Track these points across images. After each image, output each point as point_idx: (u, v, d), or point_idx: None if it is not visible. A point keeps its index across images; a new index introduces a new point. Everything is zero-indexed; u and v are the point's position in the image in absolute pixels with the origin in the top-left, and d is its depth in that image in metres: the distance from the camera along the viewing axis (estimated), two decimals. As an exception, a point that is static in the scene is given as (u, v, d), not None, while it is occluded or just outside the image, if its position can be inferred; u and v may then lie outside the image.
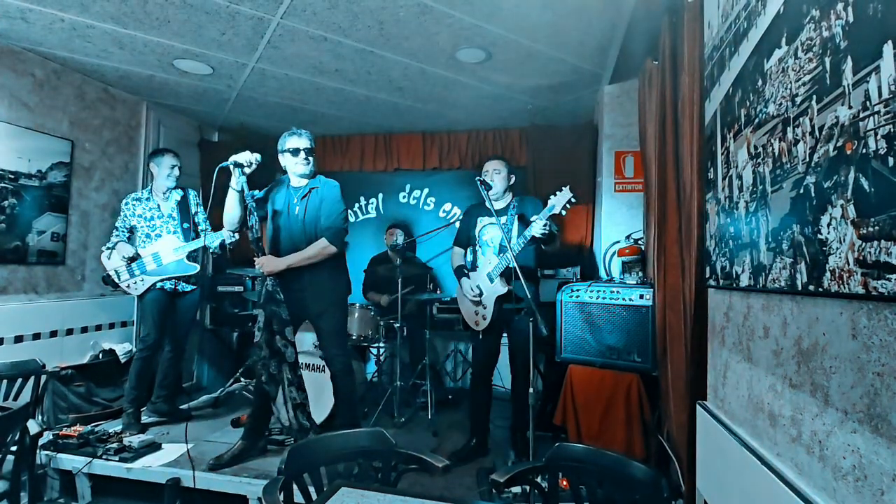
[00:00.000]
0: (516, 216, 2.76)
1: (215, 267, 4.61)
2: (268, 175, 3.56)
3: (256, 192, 2.55)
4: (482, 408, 2.88)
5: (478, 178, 2.72)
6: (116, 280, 3.06)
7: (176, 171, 3.19)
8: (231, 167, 2.38)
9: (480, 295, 2.73)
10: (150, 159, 3.28)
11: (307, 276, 2.51)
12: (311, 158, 2.58)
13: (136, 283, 3.05)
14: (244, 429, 2.67)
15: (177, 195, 3.24)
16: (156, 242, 3.11)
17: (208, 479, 2.43)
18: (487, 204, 2.70)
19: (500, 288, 2.67)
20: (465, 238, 2.96)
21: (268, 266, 2.47)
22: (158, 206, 3.18)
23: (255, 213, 2.50)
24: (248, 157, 2.38)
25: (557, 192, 2.54)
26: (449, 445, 2.97)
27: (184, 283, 3.19)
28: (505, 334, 2.87)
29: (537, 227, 2.48)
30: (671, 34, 2.15)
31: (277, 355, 2.50)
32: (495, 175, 2.79)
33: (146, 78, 3.49)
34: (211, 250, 3.16)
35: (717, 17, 1.56)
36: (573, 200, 2.51)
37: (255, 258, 2.51)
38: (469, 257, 2.96)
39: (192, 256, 3.14)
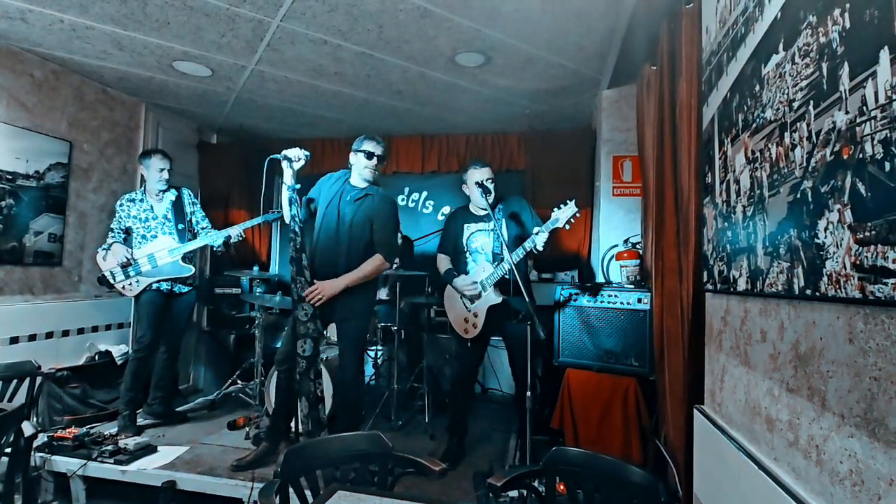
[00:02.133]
0: (504, 220, 2.68)
1: (213, 268, 4.60)
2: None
3: (297, 185, 2.53)
4: (463, 412, 2.88)
5: (477, 181, 2.71)
6: (112, 281, 3.05)
7: (165, 174, 3.16)
8: (281, 160, 2.41)
9: (479, 296, 2.68)
10: (139, 161, 3.27)
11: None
12: (378, 167, 2.64)
13: (131, 284, 3.04)
14: (267, 429, 2.62)
15: (171, 196, 3.22)
16: (151, 243, 3.10)
17: (204, 482, 2.41)
18: (473, 208, 2.74)
19: (495, 297, 2.62)
20: (452, 245, 2.86)
21: (327, 291, 2.40)
22: (152, 207, 3.17)
23: (296, 203, 2.46)
24: (297, 153, 2.43)
25: (562, 206, 2.46)
26: (445, 448, 2.95)
27: (180, 285, 3.18)
28: (500, 339, 2.84)
29: (539, 240, 2.43)
30: (669, 39, 2.16)
31: (315, 342, 2.43)
32: (488, 183, 2.68)
33: (145, 79, 3.49)
34: (216, 248, 3.15)
35: (714, 23, 1.56)
36: (578, 215, 2.46)
37: (296, 282, 2.40)
38: (452, 264, 2.87)
39: (187, 258, 3.14)
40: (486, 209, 2.68)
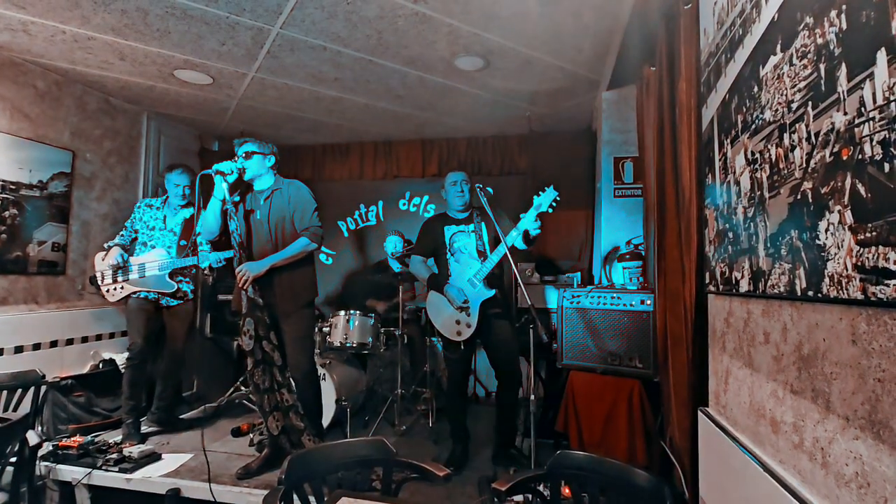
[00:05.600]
0: (483, 224, 2.81)
1: (215, 275, 4.61)
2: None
3: (236, 197, 2.61)
4: (462, 417, 2.89)
5: (478, 185, 2.74)
6: (99, 282, 3.06)
7: (180, 190, 3.17)
8: (212, 174, 2.46)
9: (466, 301, 2.70)
10: (163, 173, 3.31)
11: (275, 275, 2.54)
12: (273, 167, 2.65)
13: (115, 288, 3.05)
14: (269, 436, 2.64)
15: (185, 213, 3.22)
16: (147, 253, 3.10)
17: (208, 489, 2.41)
18: (452, 213, 2.87)
19: (486, 292, 2.68)
20: (431, 248, 2.93)
21: (252, 271, 2.47)
22: (164, 218, 3.18)
23: (235, 219, 2.54)
24: (230, 166, 2.47)
25: (541, 192, 2.57)
26: (449, 454, 2.95)
27: (168, 298, 3.15)
28: (480, 342, 2.84)
29: (528, 222, 2.53)
30: (668, 40, 2.16)
31: (265, 361, 2.50)
32: (464, 185, 2.84)
33: (147, 88, 3.51)
34: (204, 271, 3.16)
35: (712, 24, 1.57)
36: (558, 199, 2.56)
37: (235, 266, 2.52)
38: (434, 269, 2.95)
39: (175, 274, 3.12)
40: (463, 209, 2.85)
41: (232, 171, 2.48)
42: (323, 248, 4.74)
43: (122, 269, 3.05)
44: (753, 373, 1.26)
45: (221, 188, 2.48)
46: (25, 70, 3.12)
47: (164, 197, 3.26)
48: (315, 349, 2.95)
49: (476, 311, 2.69)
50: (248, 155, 2.57)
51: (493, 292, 2.67)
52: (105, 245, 3.14)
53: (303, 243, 2.54)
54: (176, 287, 3.12)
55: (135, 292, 3.06)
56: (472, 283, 2.70)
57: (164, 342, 3.21)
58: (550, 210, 2.56)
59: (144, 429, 3.12)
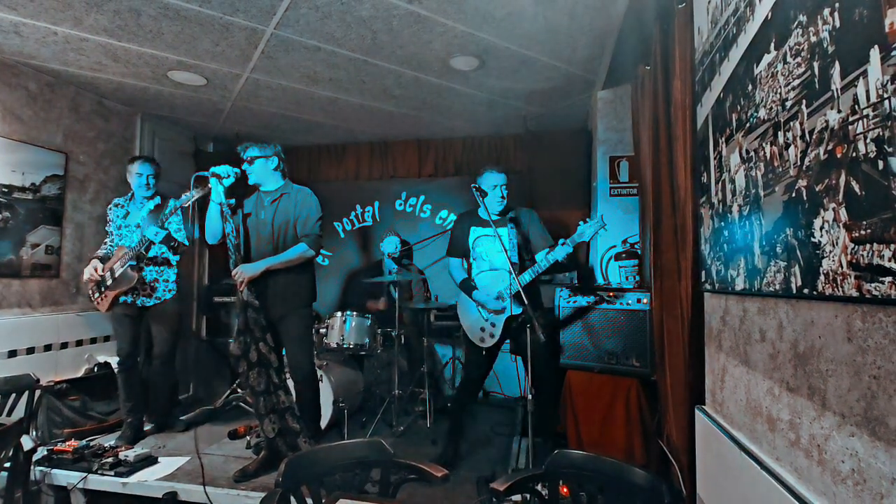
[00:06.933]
0: (515, 230, 2.65)
1: (211, 278, 4.59)
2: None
3: (232, 200, 2.61)
4: (465, 417, 2.86)
5: (473, 185, 2.68)
6: (91, 297, 2.98)
7: (145, 180, 2.99)
8: (209, 177, 2.47)
9: (503, 311, 2.60)
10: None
11: (272, 278, 2.54)
12: (278, 169, 2.67)
13: (101, 299, 2.95)
14: (266, 439, 2.63)
15: (151, 205, 3.02)
16: (113, 256, 2.94)
17: (205, 492, 2.40)
18: (482, 213, 2.63)
19: (514, 307, 2.56)
20: (462, 248, 2.80)
21: (247, 273, 2.48)
22: (128, 213, 3.03)
23: (230, 221, 2.54)
24: (226, 170, 2.48)
25: (587, 220, 2.48)
26: (442, 450, 2.94)
27: (144, 298, 3.00)
28: (510, 343, 2.78)
29: (561, 252, 2.44)
30: (662, 40, 2.16)
31: (261, 363, 2.48)
32: (504, 190, 2.68)
33: (140, 89, 3.49)
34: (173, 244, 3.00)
35: (706, 23, 1.57)
36: (606, 229, 2.47)
37: (231, 268, 2.52)
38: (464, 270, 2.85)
39: (136, 267, 2.91)
40: (496, 215, 2.66)
41: (228, 175, 2.47)
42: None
43: (98, 281, 2.91)
44: (749, 371, 1.26)
45: (217, 191, 2.48)
46: (17, 72, 3.10)
47: (130, 193, 3.09)
48: (314, 350, 2.93)
49: (501, 324, 2.60)
50: (252, 160, 2.60)
51: (520, 309, 2.53)
52: (94, 255, 3.01)
53: (300, 249, 2.55)
54: (136, 276, 2.89)
55: (116, 297, 2.93)
56: (503, 296, 2.60)
57: (154, 345, 3.13)
58: (592, 241, 2.46)
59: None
